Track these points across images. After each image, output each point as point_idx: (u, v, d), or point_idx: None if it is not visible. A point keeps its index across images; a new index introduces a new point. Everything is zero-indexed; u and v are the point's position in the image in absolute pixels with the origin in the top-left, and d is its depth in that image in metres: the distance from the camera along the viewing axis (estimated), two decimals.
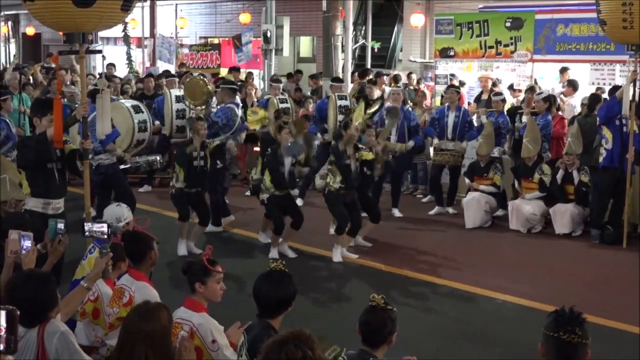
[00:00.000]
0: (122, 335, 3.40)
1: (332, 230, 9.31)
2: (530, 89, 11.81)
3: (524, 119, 10.89)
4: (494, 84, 12.95)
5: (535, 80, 12.95)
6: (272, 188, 8.79)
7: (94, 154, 9.08)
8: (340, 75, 15.02)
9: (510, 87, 13.13)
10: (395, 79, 15.21)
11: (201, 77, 11.31)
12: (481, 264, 8.86)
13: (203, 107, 10.83)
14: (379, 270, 8.53)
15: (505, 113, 11.28)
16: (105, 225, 4.51)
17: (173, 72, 15.77)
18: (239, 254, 9.21)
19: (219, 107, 10.69)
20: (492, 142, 10.73)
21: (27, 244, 4.30)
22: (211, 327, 4.12)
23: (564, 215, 10.01)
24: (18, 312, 2.68)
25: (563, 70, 12.58)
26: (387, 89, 13.33)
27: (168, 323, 3.43)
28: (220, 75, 16.74)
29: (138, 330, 3.33)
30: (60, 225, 4.64)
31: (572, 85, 12.29)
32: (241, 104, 12.71)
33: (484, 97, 12.74)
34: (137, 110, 10.91)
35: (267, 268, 4.03)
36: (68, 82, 14.35)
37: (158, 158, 10.80)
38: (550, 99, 10.87)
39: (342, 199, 8.79)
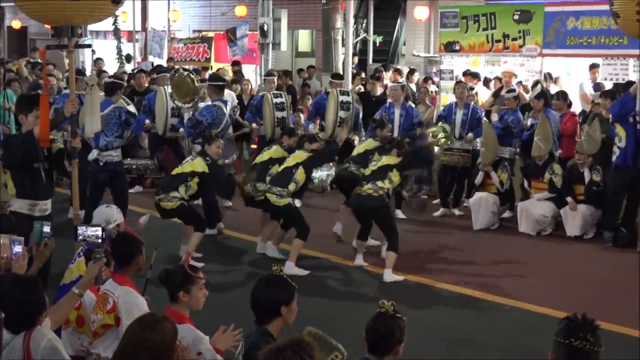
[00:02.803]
0: (122, 346, 3.36)
1: (383, 250, 8.83)
2: (536, 85, 11.79)
3: (529, 121, 10.88)
4: (526, 85, 12.72)
5: (545, 75, 12.90)
6: (299, 186, 8.75)
7: (104, 148, 9.15)
8: (341, 71, 15.02)
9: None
10: (398, 73, 15.17)
11: (188, 74, 11.30)
12: (488, 267, 8.86)
13: (190, 105, 10.83)
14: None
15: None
16: (99, 229, 4.48)
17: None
18: (233, 258, 9.21)
19: (204, 105, 10.69)
20: (495, 147, 10.68)
21: (18, 249, 4.30)
22: (195, 339, 4.09)
23: (575, 217, 10.01)
24: (3, 316, 2.68)
25: (593, 67, 12.49)
26: (389, 85, 13.31)
27: (173, 336, 3.39)
28: (213, 70, 16.77)
29: (141, 341, 3.28)
30: (47, 228, 4.62)
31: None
32: (236, 101, 12.76)
33: (503, 93, 12.62)
34: (128, 103, 10.93)
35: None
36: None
37: (150, 163, 10.81)
38: (545, 96, 10.86)
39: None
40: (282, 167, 8.88)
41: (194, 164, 8.65)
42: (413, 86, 14.52)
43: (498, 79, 13.15)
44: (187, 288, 4.23)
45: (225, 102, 10.50)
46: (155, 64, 17.81)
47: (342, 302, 7.80)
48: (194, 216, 8.79)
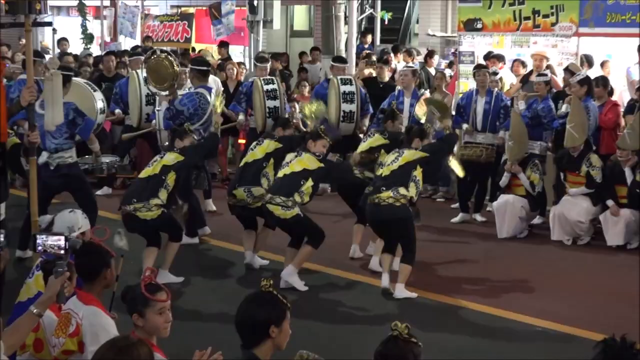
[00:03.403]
0: None
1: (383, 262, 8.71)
2: (566, 69, 11.81)
3: (563, 107, 10.91)
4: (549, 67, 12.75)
5: (582, 58, 12.92)
6: (304, 201, 8.63)
7: (54, 150, 9.09)
8: (343, 53, 15.01)
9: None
10: (410, 53, 15.16)
11: (166, 56, 11.29)
12: (515, 283, 8.88)
13: (167, 92, 10.83)
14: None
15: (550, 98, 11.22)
16: (62, 238, 4.48)
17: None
18: (217, 271, 9.24)
19: (184, 92, 10.68)
20: (524, 141, 10.68)
21: None
22: None
23: (617, 223, 10.02)
24: None
25: None
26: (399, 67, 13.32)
27: None
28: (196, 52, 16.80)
29: None
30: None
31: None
32: (222, 88, 12.77)
33: (532, 78, 12.63)
34: (94, 89, 10.96)
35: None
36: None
37: (117, 160, 10.82)
38: (589, 82, 10.84)
39: None
40: (284, 171, 8.67)
41: (164, 160, 8.65)
42: (432, 71, 14.51)
43: (520, 62, 13.05)
44: (140, 311, 4.24)
45: (209, 90, 10.49)
46: (128, 45, 17.84)
47: (346, 322, 7.81)
48: (172, 224, 8.77)
